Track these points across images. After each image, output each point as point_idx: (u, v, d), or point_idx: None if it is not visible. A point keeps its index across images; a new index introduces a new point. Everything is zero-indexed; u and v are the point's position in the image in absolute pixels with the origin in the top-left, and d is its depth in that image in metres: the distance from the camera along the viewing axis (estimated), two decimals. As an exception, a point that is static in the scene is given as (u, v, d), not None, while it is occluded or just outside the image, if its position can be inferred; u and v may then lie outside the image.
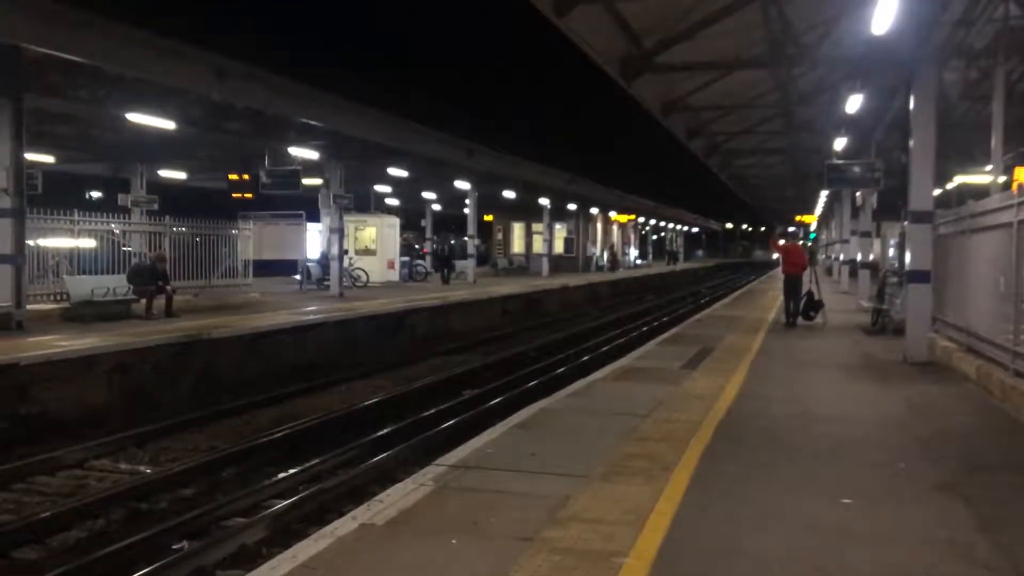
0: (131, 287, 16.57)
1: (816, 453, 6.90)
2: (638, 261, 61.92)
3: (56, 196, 19.40)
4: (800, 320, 17.38)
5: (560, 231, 46.00)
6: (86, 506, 7.84)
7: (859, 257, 26.50)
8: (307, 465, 9.23)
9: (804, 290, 17.62)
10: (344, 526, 5.11)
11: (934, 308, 12.97)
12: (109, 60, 12.88)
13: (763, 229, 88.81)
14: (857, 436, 7.56)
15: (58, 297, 16.85)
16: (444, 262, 33.21)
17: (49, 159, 21.20)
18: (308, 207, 25.45)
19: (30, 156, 15.27)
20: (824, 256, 52.36)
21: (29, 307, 14.71)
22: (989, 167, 14.23)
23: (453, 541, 4.80)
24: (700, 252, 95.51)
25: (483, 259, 45.56)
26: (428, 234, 44.48)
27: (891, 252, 21.70)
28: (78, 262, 17.89)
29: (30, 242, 15.56)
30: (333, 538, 4.88)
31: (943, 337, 12.71)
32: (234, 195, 23.24)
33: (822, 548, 4.75)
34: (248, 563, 6.64)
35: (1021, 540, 4.93)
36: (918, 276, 12.42)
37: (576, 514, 5.24)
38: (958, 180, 23.61)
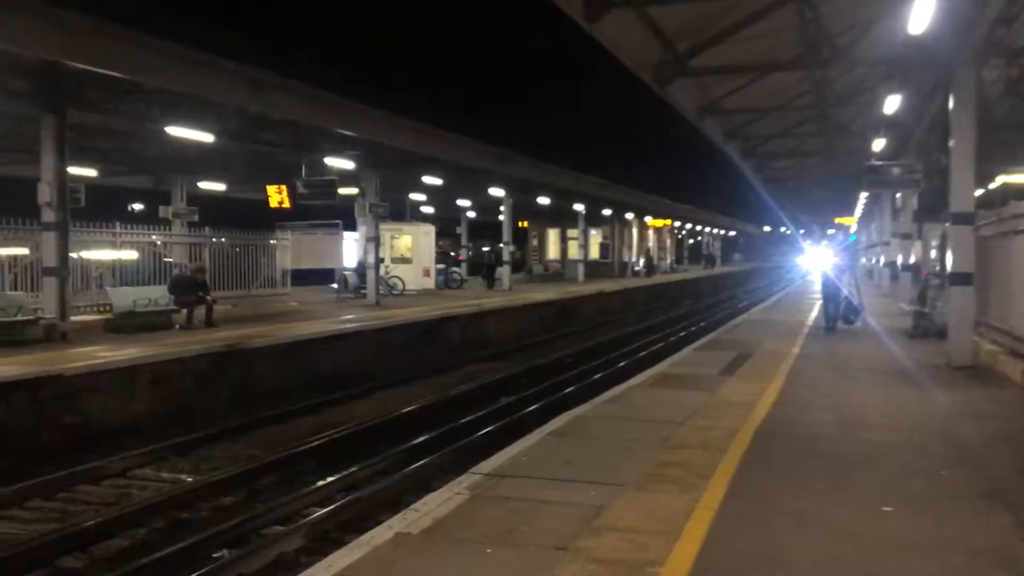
0: (172, 298, 16.83)
1: (856, 460, 6.80)
2: (675, 266, 61.52)
3: (98, 209, 19.76)
4: (840, 324, 17.17)
5: (595, 236, 45.83)
6: (129, 515, 7.96)
7: (900, 260, 26.09)
8: (345, 473, 9.30)
9: (844, 294, 17.40)
10: (380, 535, 5.13)
11: (977, 311, 12.73)
12: (147, 74, 13.10)
13: (801, 232, 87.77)
14: (898, 442, 7.44)
15: (101, 308, 17.15)
16: (490, 269, 33.69)
17: (91, 172, 21.60)
18: (344, 216, 25.66)
19: (73, 170, 15.57)
20: (864, 259, 51.59)
21: (72, 318, 14.99)
22: (1032, 166, 13.95)
23: (488, 550, 4.80)
24: (737, 256, 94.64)
25: (518, 266, 45.61)
26: (464, 241, 44.61)
27: (932, 254, 21.34)
28: (120, 274, 18.20)
29: (73, 255, 15.87)
30: (369, 547, 4.91)
31: (987, 340, 12.48)
32: (272, 205, 23.48)
33: (862, 558, 4.68)
34: (286, 571, 6.71)
35: (1068, 549, 4.82)
36: (960, 278, 12.19)
37: (611, 523, 5.21)
38: (1000, 180, 23.16)
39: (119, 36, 12.22)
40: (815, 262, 51.42)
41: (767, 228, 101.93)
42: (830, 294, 17.60)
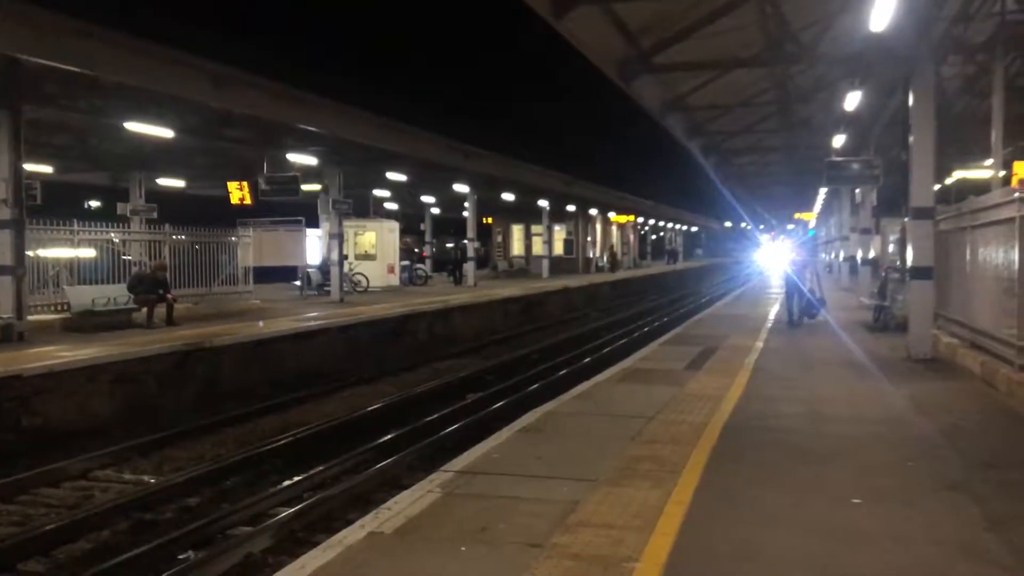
0: (132, 296, 16.53)
1: (823, 453, 6.87)
2: (638, 261, 61.91)
3: (55, 206, 19.36)
4: (802, 318, 17.36)
5: (559, 232, 45.97)
6: (91, 517, 7.81)
7: (859, 254, 26.48)
8: (312, 472, 9.20)
9: (806, 288, 17.61)
10: (352, 535, 5.08)
11: (936, 304, 12.94)
12: (106, 69, 12.86)
13: (762, 227, 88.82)
14: (864, 435, 7.54)
15: (59, 307, 16.82)
16: (456, 265, 33.78)
17: (48, 169, 21.17)
18: (307, 213, 25.44)
19: (29, 167, 15.24)
20: (824, 254, 52.31)
21: (30, 318, 14.68)
22: (989, 162, 14.23)
23: (463, 549, 4.77)
24: (699, 251, 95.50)
25: (483, 262, 45.60)
26: (428, 238, 44.48)
27: (891, 248, 21.67)
28: (78, 272, 17.85)
29: (30, 253, 15.52)
30: (342, 547, 4.85)
31: (946, 333, 12.69)
32: (233, 202, 23.19)
33: (833, 550, 4.72)
34: (255, 572, 6.63)
35: (1033, 538, 4.90)
36: (920, 272, 12.39)
37: (585, 519, 5.21)
38: (957, 175, 23.62)
39: (78, 30, 11.97)
40: (772, 259, 51.63)
41: (728, 224, 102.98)
42: (792, 289, 17.81)
